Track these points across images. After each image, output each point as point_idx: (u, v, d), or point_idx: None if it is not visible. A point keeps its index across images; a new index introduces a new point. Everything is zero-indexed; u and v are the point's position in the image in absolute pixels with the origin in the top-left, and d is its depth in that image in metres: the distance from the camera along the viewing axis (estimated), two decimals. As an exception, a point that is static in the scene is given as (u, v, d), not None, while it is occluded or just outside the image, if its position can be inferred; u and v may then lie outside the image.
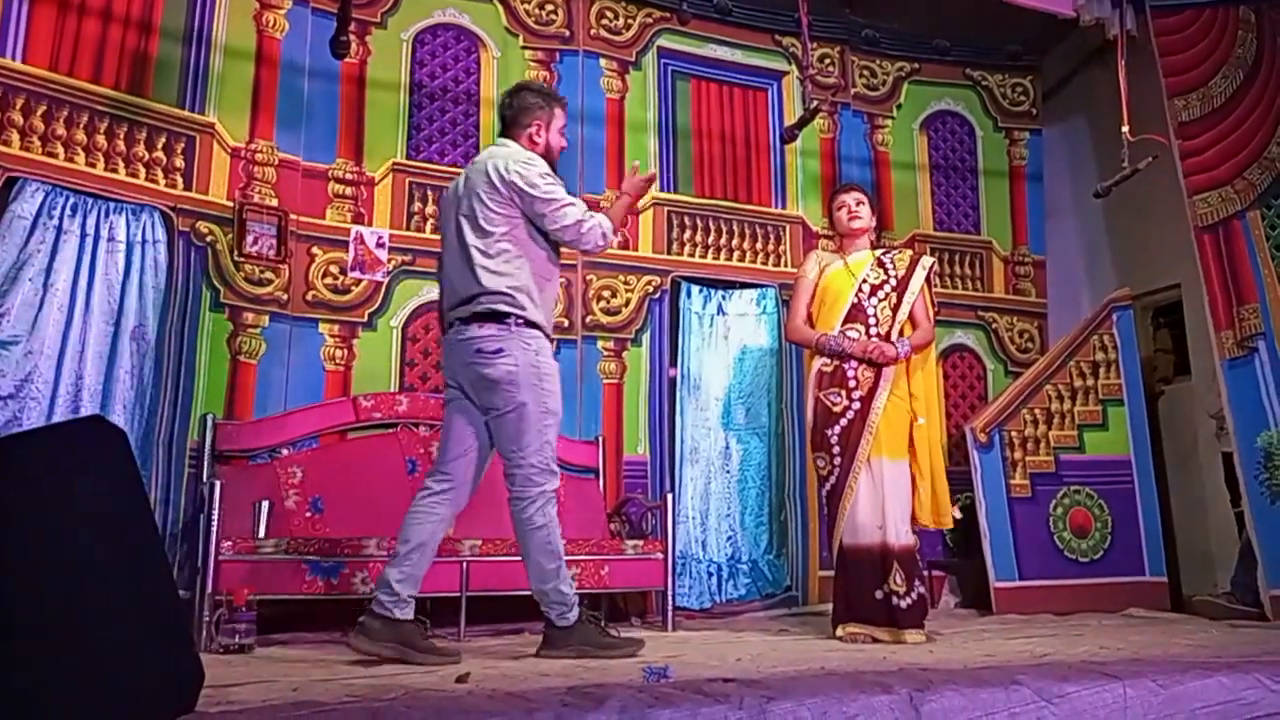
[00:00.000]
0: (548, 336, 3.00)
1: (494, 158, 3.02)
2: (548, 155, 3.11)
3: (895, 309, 3.68)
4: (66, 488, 1.65)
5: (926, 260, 3.84)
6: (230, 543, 3.45)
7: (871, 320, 3.66)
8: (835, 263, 3.80)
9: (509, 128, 3.15)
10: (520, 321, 2.92)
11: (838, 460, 3.56)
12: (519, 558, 3.83)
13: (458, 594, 3.72)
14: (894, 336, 3.65)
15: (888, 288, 3.71)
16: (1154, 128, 4.57)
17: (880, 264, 3.76)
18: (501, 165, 2.97)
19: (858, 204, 3.79)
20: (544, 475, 2.97)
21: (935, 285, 5.50)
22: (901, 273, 3.74)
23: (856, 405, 3.57)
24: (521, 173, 2.95)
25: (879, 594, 3.45)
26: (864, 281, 3.71)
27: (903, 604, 3.43)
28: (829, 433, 3.60)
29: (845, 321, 3.68)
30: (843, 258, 3.80)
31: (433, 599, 3.86)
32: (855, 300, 3.69)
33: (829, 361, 3.66)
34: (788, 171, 5.49)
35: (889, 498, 3.51)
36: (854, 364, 3.61)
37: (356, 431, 4.23)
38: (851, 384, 3.59)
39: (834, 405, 3.60)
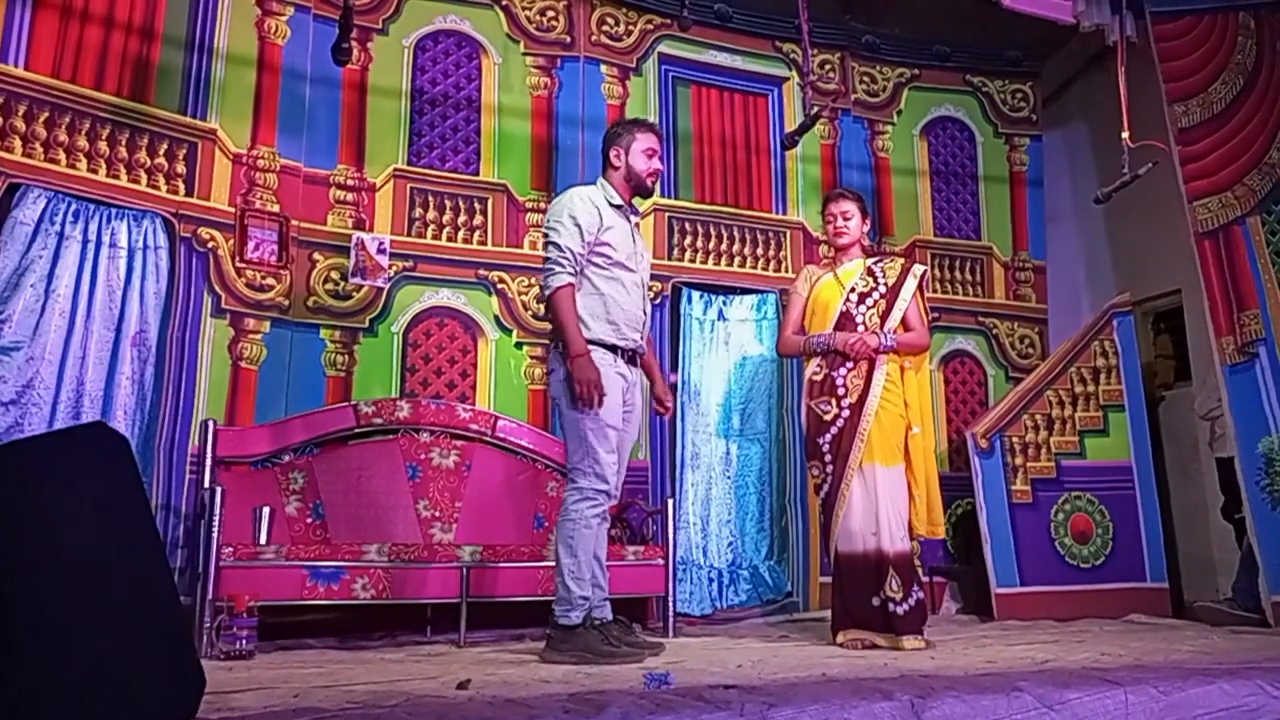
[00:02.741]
0: (611, 348, 3.17)
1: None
2: (631, 177, 3.32)
3: (884, 316, 3.67)
4: (68, 493, 1.65)
5: (918, 268, 3.82)
6: (231, 549, 3.45)
7: (860, 328, 3.66)
8: (826, 276, 3.81)
9: (602, 163, 3.40)
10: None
11: (830, 468, 3.56)
12: (519, 564, 3.86)
13: (458, 600, 3.72)
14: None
15: (876, 295, 3.71)
16: (1154, 133, 4.58)
17: (870, 272, 3.76)
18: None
19: (844, 218, 3.76)
20: (586, 478, 3.13)
21: (936, 291, 5.62)
22: (891, 281, 3.73)
23: (846, 413, 3.58)
24: (549, 215, 3.26)
25: (875, 600, 3.45)
26: (852, 290, 3.71)
27: (899, 610, 3.41)
28: (821, 441, 3.61)
29: (835, 330, 3.69)
30: (833, 270, 3.81)
31: (433, 605, 3.87)
32: (844, 309, 3.69)
33: (818, 370, 3.67)
34: (788, 177, 5.50)
35: (883, 504, 3.50)
36: (842, 372, 3.62)
37: (357, 437, 4.22)
38: (841, 392, 3.60)
39: (824, 414, 3.61)
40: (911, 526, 3.61)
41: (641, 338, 3.31)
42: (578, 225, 3.17)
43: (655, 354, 3.73)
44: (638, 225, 3.44)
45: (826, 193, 4.17)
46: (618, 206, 3.31)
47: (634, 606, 4.49)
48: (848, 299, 3.70)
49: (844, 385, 3.61)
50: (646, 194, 3.44)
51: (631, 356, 3.26)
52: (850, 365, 3.62)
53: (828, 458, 3.58)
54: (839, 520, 3.53)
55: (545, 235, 3.23)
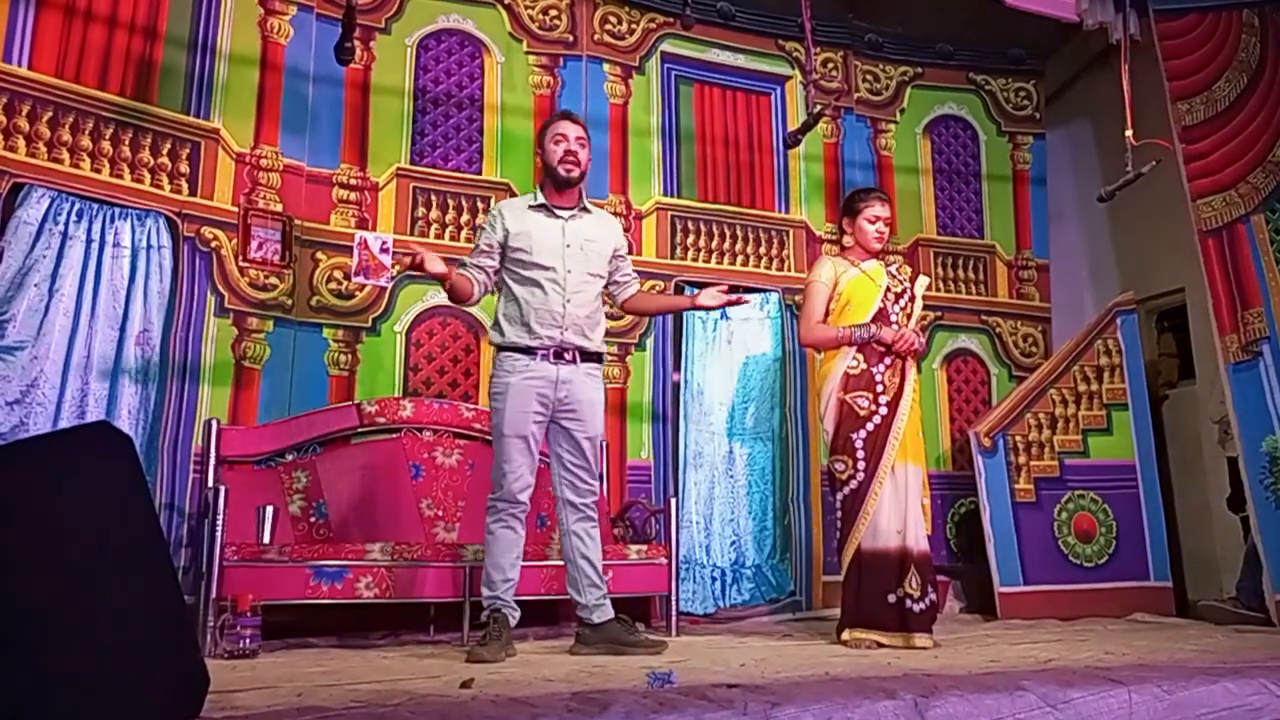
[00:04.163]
0: (525, 350, 3.26)
1: None
2: (548, 169, 3.37)
3: (909, 317, 3.73)
4: (72, 493, 1.65)
5: (924, 280, 3.92)
6: (234, 548, 3.45)
7: (895, 325, 3.68)
8: (851, 270, 3.77)
9: None
10: (497, 349, 3.33)
11: (861, 464, 3.54)
12: (522, 563, 3.85)
13: (461, 599, 3.72)
14: None
15: (905, 298, 3.74)
16: (1157, 132, 4.57)
17: (890, 274, 3.79)
18: None
19: (885, 223, 3.78)
20: (494, 486, 3.29)
21: (939, 290, 5.64)
22: (909, 285, 3.80)
23: (884, 410, 3.57)
24: None
25: (892, 598, 3.46)
26: (887, 290, 3.72)
27: (916, 608, 3.44)
28: (854, 436, 3.57)
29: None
30: (856, 264, 3.79)
31: (436, 604, 3.87)
32: (881, 305, 3.69)
33: (855, 364, 3.63)
34: (791, 176, 5.49)
35: (911, 503, 3.52)
36: (881, 368, 3.61)
37: (360, 436, 4.22)
38: (879, 388, 3.59)
39: (860, 409, 3.58)
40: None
41: (565, 331, 3.27)
42: (478, 239, 3.40)
43: (666, 299, 4.03)
44: (579, 216, 3.39)
45: (860, 190, 3.99)
46: (540, 207, 3.36)
47: (637, 605, 4.50)
48: (885, 297, 3.71)
49: (883, 382, 3.60)
50: (563, 183, 3.35)
51: (558, 354, 3.27)
52: (888, 362, 3.62)
53: (859, 454, 3.55)
54: (867, 517, 3.51)
55: None
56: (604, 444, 4.73)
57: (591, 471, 3.38)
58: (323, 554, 3.59)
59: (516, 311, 3.29)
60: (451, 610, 3.82)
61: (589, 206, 3.46)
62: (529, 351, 3.25)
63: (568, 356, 3.29)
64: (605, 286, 3.48)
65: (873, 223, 3.76)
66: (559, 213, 3.36)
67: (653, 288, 4.99)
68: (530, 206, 3.37)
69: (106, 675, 1.58)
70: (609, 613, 3.28)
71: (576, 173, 3.36)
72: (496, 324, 3.35)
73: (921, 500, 3.62)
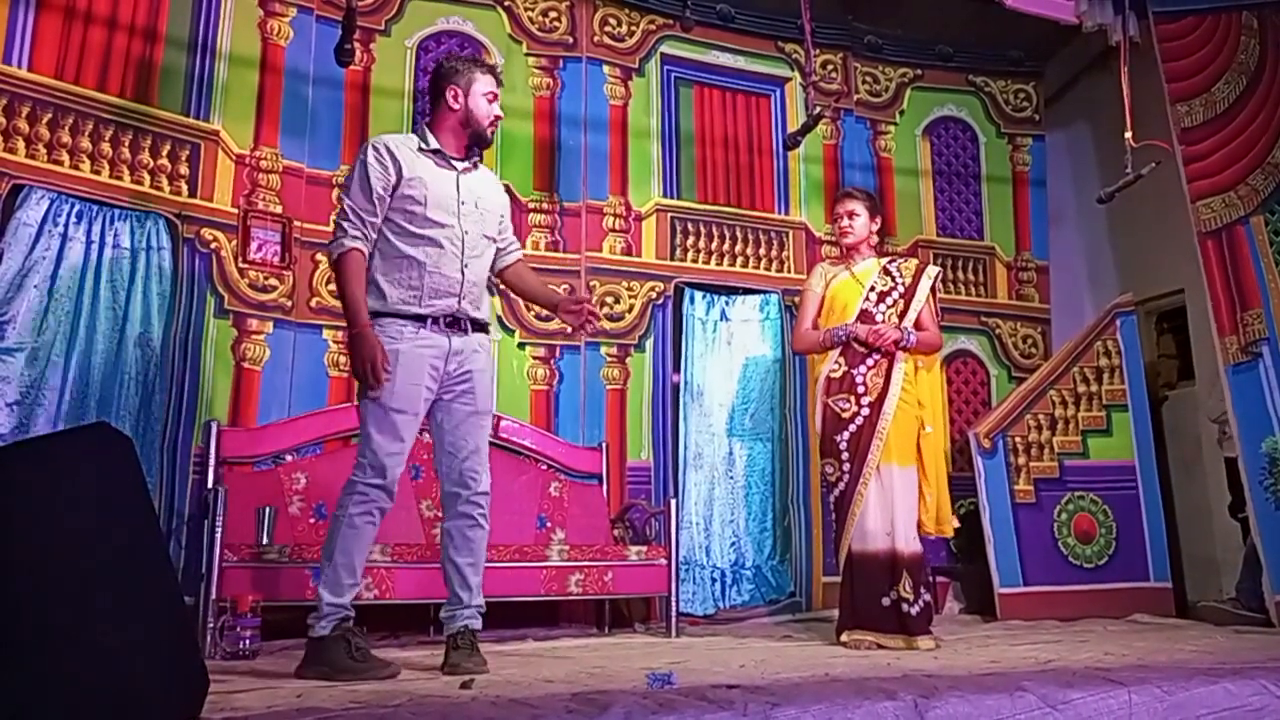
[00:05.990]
0: (415, 318, 2.78)
1: None
2: (471, 122, 2.90)
3: (902, 316, 3.70)
4: (72, 494, 1.65)
5: (932, 270, 3.86)
6: (234, 549, 3.46)
7: (880, 324, 3.67)
8: (842, 274, 3.80)
9: (431, 106, 2.96)
10: (375, 315, 2.75)
11: (847, 467, 3.55)
12: (521, 564, 3.86)
13: (461, 600, 3.72)
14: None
15: (895, 295, 3.72)
16: (1157, 133, 4.57)
17: (886, 271, 3.77)
18: None
19: (849, 218, 3.78)
20: (360, 470, 2.77)
21: (939, 291, 5.60)
22: (908, 281, 3.76)
23: (866, 411, 3.57)
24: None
25: (886, 601, 3.46)
26: (871, 289, 3.72)
27: (912, 610, 3.44)
28: (838, 439, 3.59)
29: None
30: (848, 268, 3.80)
31: (436, 605, 3.86)
32: (864, 307, 3.70)
33: (837, 367, 3.65)
34: (791, 177, 5.49)
35: (899, 504, 3.52)
36: (862, 370, 3.61)
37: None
38: (860, 390, 3.59)
39: (843, 411, 3.59)
40: (921, 525, 3.63)
41: (461, 300, 2.83)
42: (367, 180, 2.77)
43: (542, 284, 3.27)
44: (471, 170, 2.95)
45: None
46: (434, 152, 2.87)
47: (637, 606, 4.51)
48: (867, 297, 3.71)
49: (864, 383, 3.60)
50: (485, 143, 2.98)
51: (452, 323, 2.82)
52: (870, 363, 3.62)
53: (844, 456, 3.57)
54: (854, 520, 3.52)
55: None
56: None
57: (472, 463, 2.88)
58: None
59: (403, 273, 2.77)
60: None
61: (477, 162, 3.01)
62: (419, 320, 2.77)
63: (462, 326, 2.84)
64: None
65: (835, 220, 3.83)
66: (454, 163, 2.89)
67: (653, 288, 5.00)
68: (421, 149, 2.86)
69: (106, 676, 1.58)
70: (456, 625, 2.83)
71: (493, 135, 3.02)
72: (373, 286, 2.78)
73: (927, 497, 3.62)
